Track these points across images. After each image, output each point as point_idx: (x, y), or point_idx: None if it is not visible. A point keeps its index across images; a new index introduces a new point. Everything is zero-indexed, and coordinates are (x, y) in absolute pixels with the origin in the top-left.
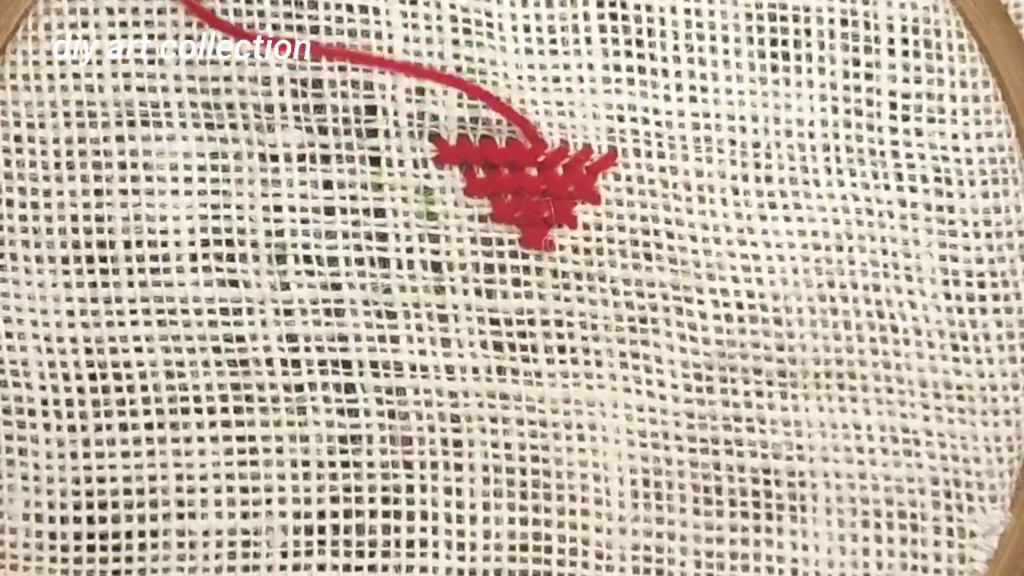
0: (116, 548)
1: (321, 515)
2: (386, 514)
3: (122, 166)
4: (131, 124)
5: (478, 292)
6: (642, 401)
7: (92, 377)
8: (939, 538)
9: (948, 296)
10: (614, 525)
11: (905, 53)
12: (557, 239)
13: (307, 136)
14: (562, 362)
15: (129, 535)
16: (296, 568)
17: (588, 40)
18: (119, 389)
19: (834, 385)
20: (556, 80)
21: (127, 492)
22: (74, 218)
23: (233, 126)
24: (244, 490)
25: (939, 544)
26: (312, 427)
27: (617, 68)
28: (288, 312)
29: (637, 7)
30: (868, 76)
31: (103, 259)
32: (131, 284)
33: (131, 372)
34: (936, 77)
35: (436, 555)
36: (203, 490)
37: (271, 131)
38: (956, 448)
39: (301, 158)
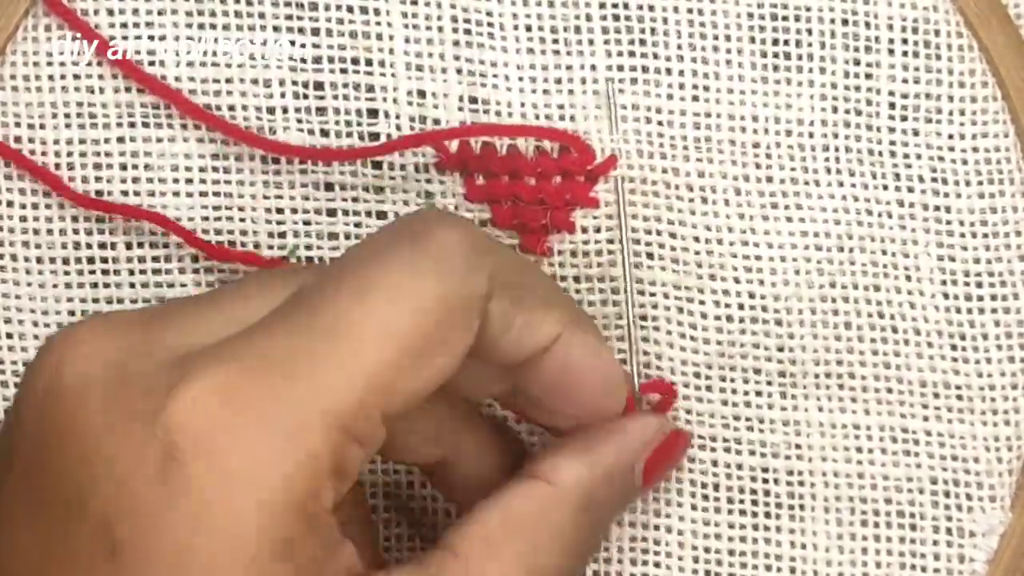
0: None
1: None
2: (387, 510)
3: (123, 167)
4: (131, 125)
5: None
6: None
7: None
8: (938, 538)
9: (946, 296)
10: None
11: (905, 53)
12: (556, 245)
13: (309, 138)
14: None
15: None
16: None
17: (591, 41)
18: None
19: (834, 385)
20: (558, 81)
21: None
22: (75, 219)
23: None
24: None
25: (938, 544)
26: None
27: (620, 68)
28: None
29: (639, 7)
30: (868, 76)
31: (104, 260)
32: (132, 285)
33: None
34: (935, 77)
35: None
36: None
37: (272, 133)
38: (955, 448)
39: (303, 160)
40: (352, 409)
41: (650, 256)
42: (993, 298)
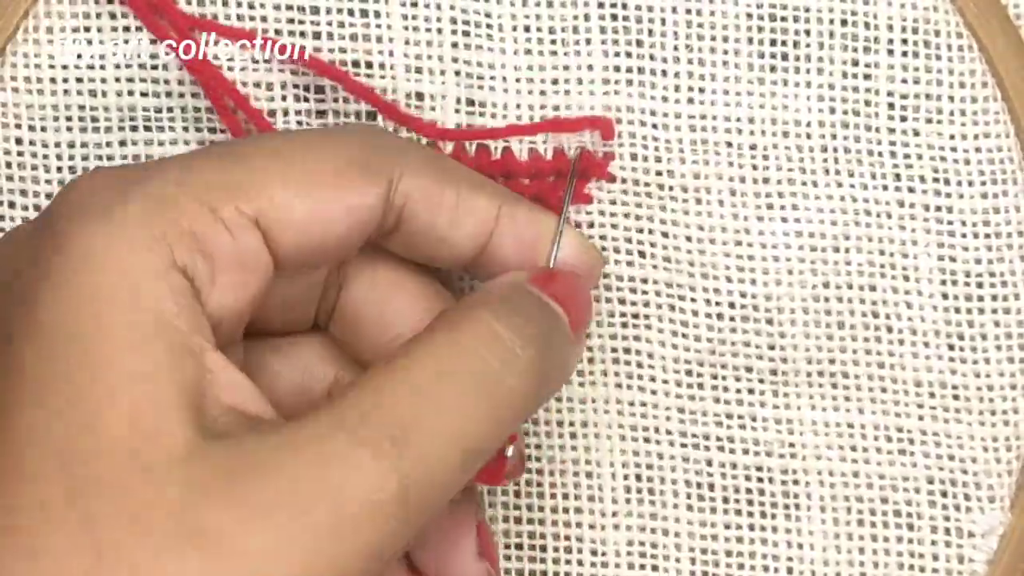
0: None
1: None
2: None
3: None
4: (133, 128)
5: (473, 291)
6: (633, 396)
7: None
8: (936, 538)
9: (946, 296)
10: (608, 521)
11: (904, 54)
12: None
13: None
14: None
15: None
16: None
17: (588, 41)
18: None
19: (827, 384)
20: (555, 82)
21: None
22: None
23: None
24: None
25: (936, 544)
26: None
27: (617, 69)
28: None
29: (638, 8)
30: (867, 77)
31: None
32: None
33: None
34: (935, 78)
35: None
36: None
37: None
38: (952, 448)
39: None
40: (212, 185)
41: (642, 255)
42: (994, 298)
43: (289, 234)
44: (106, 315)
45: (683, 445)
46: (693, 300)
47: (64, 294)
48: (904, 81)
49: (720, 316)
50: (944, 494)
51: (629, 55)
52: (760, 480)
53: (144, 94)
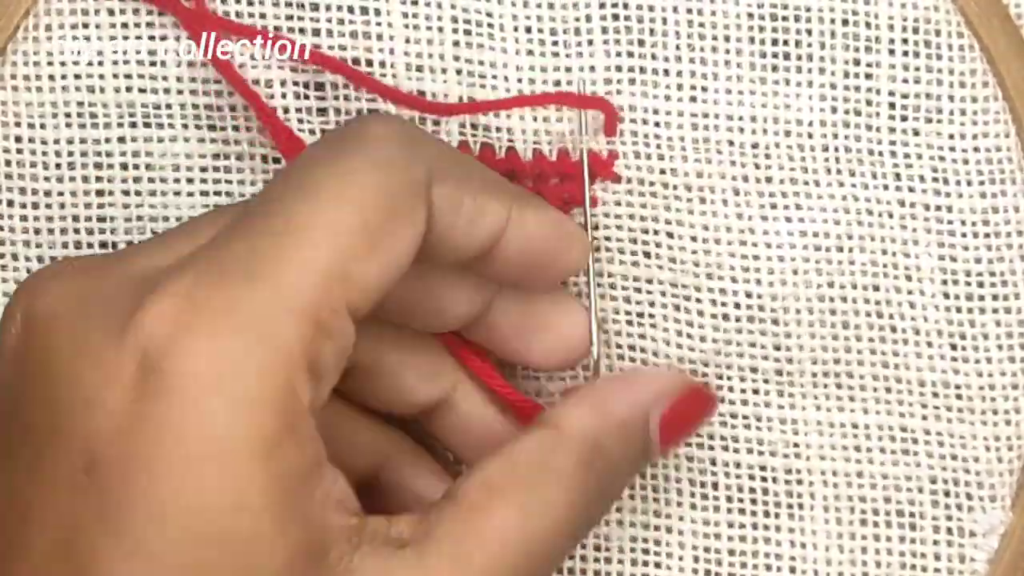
0: None
1: None
2: None
3: (123, 167)
4: (132, 125)
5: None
6: None
7: None
8: (938, 537)
9: (947, 296)
10: (612, 517)
11: (905, 53)
12: None
13: (310, 138)
14: None
15: None
16: None
17: (590, 42)
18: None
19: (831, 384)
20: (556, 83)
21: None
22: (75, 219)
23: (235, 127)
24: None
25: (938, 543)
26: None
27: (619, 69)
28: None
29: (639, 7)
30: (868, 76)
31: None
32: None
33: None
34: (935, 77)
35: None
36: None
37: None
38: (955, 447)
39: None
40: (315, 301)
41: (647, 255)
42: (994, 298)
43: (368, 297)
44: (249, 499)
45: (687, 444)
46: (698, 300)
47: (184, 474)
48: (905, 81)
49: (725, 317)
50: (947, 494)
51: (631, 55)
52: (764, 480)
53: (143, 91)
